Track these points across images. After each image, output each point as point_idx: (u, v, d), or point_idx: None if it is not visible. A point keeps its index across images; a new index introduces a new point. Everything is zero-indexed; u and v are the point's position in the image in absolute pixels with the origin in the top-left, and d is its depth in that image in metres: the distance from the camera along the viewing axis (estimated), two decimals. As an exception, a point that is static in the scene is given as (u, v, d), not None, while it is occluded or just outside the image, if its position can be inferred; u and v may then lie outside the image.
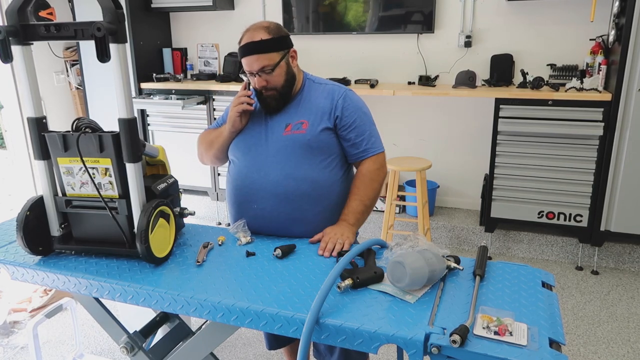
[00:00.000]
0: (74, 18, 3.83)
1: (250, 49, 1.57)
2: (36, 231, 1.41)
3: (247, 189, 1.65)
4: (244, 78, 1.69)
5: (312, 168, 1.62)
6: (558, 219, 3.14)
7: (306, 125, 1.63)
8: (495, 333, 1.04)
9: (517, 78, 3.31)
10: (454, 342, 1.00)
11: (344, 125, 1.65)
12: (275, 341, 1.92)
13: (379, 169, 1.69)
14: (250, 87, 1.67)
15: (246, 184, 1.65)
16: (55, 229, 1.45)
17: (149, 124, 4.05)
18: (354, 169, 1.76)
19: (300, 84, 1.70)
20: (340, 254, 1.41)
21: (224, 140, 1.72)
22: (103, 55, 1.22)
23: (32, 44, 1.34)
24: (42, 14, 1.37)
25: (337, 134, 1.67)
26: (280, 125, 1.65)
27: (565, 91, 2.99)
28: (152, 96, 3.88)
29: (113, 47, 1.24)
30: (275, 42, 1.59)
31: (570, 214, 3.11)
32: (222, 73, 4.04)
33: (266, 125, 1.67)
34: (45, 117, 1.38)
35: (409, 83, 3.62)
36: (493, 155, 3.18)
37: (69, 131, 1.37)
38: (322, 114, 1.64)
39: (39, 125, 1.37)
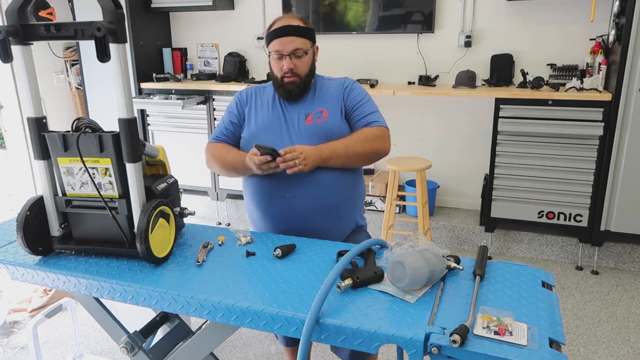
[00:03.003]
0: (74, 18, 3.83)
1: (286, 31, 1.65)
2: (36, 231, 1.41)
3: (277, 180, 1.65)
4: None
5: None
6: (558, 219, 3.14)
7: (326, 113, 1.70)
8: (495, 333, 1.04)
9: (517, 78, 3.31)
10: (454, 342, 1.00)
11: (351, 105, 1.73)
12: (291, 338, 1.91)
13: (378, 136, 1.70)
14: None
15: (276, 175, 1.64)
16: (55, 229, 1.45)
17: (149, 124, 4.05)
18: None
19: (313, 80, 1.78)
20: (340, 254, 1.41)
21: (245, 170, 1.69)
22: (103, 55, 1.22)
23: (32, 43, 1.33)
24: (42, 13, 1.37)
25: (347, 117, 1.73)
26: (299, 116, 1.70)
27: (565, 91, 2.99)
28: (152, 96, 3.88)
29: (113, 47, 1.23)
30: (309, 31, 1.70)
31: (570, 214, 3.11)
32: (222, 73, 4.04)
33: (284, 118, 1.71)
34: (45, 117, 1.38)
35: (409, 83, 3.62)
36: (493, 155, 3.18)
37: (69, 131, 1.37)
38: (337, 103, 1.73)
39: (39, 125, 1.37)
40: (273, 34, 1.67)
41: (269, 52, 1.71)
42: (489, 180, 3.25)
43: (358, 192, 1.80)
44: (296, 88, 1.70)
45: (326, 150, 1.63)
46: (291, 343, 1.94)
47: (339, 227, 1.72)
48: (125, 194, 1.37)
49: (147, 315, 1.80)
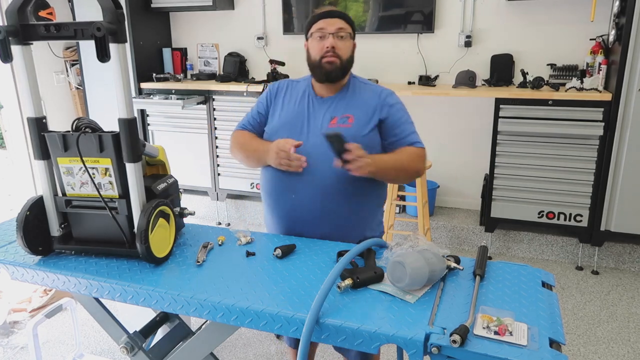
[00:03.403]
0: (74, 18, 3.83)
1: (333, 13, 1.66)
2: (36, 231, 1.41)
3: (287, 179, 1.64)
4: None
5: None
6: (558, 218, 3.14)
7: (352, 120, 1.65)
8: (495, 333, 1.04)
9: (517, 78, 3.31)
10: (454, 342, 1.00)
11: (393, 122, 1.67)
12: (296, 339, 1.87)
13: (420, 157, 1.67)
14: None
15: (286, 173, 1.62)
16: (55, 229, 1.45)
17: (149, 124, 4.05)
18: None
19: (347, 77, 1.73)
20: (340, 254, 1.41)
21: (263, 159, 1.68)
22: (103, 55, 1.22)
23: (32, 43, 1.33)
24: (42, 13, 1.37)
25: (381, 132, 1.67)
26: (324, 117, 1.66)
27: (566, 91, 2.99)
28: (152, 96, 3.88)
29: (113, 47, 1.23)
30: (353, 24, 1.71)
31: (570, 214, 3.11)
32: (222, 73, 4.04)
33: (308, 117, 1.67)
34: (45, 117, 1.38)
35: (409, 83, 3.62)
36: (493, 155, 3.18)
37: (69, 131, 1.37)
38: (369, 112, 1.66)
39: (39, 125, 1.37)
40: (318, 16, 1.66)
41: (310, 35, 1.68)
42: (489, 180, 3.25)
43: (368, 205, 1.71)
44: (335, 70, 1.64)
45: (380, 162, 1.58)
46: (296, 345, 1.93)
47: (343, 236, 1.63)
48: (125, 194, 1.37)
49: (147, 315, 1.80)
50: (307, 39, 1.72)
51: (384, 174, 1.62)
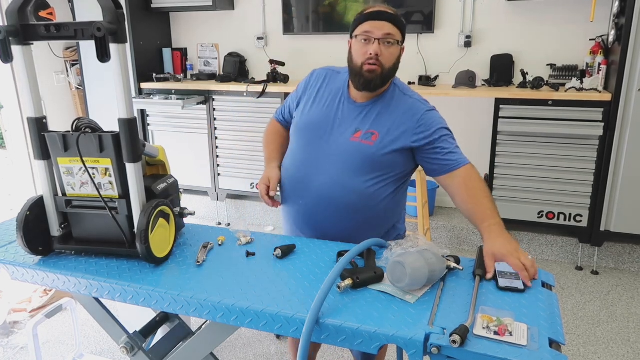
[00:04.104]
0: (74, 18, 3.83)
1: (381, 15, 1.50)
2: (36, 231, 1.41)
3: (300, 182, 1.62)
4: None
5: (366, 182, 1.54)
6: (558, 219, 3.14)
7: (376, 137, 1.53)
8: (495, 333, 1.04)
9: (517, 78, 3.31)
10: (454, 342, 1.00)
11: (428, 143, 1.53)
12: None
13: (479, 177, 1.51)
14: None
15: (299, 176, 1.61)
16: (55, 229, 1.45)
17: (149, 124, 4.05)
18: (407, 186, 1.69)
19: (388, 85, 1.62)
20: (340, 254, 1.41)
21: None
22: (103, 55, 1.22)
23: (32, 44, 1.33)
24: (42, 14, 1.37)
25: (415, 153, 1.56)
26: (349, 127, 1.56)
27: (565, 91, 2.99)
28: (152, 96, 3.88)
29: (113, 47, 1.23)
30: (404, 26, 1.56)
31: (570, 214, 3.11)
32: (222, 73, 4.04)
33: (333, 122, 1.59)
34: (45, 117, 1.38)
35: (409, 83, 3.62)
36: (493, 155, 3.18)
37: (69, 131, 1.37)
38: (397, 133, 1.53)
39: (39, 125, 1.37)
40: (366, 16, 1.52)
41: (354, 36, 1.54)
42: (489, 180, 3.25)
43: (376, 218, 1.61)
44: (375, 79, 1.52)
45: (499, 220, 1.40)
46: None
47: (349, 237, 1.58)
48: (125, 194, 1.37)
49: (147, 315, 1.80)
50: (351, 37, 1.57)
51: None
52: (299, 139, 1.66)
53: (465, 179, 1.51)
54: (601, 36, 3.11)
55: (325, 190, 1.57)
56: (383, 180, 1.56)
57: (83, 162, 1.34)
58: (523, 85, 3.17)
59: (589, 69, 3.14)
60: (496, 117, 3.10)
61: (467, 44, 3.47)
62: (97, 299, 1.60)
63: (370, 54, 1.50)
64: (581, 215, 3.09)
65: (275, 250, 1.44)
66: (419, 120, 1.55)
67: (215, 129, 3.85)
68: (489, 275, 1.28)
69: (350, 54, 1.57)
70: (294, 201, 1.66)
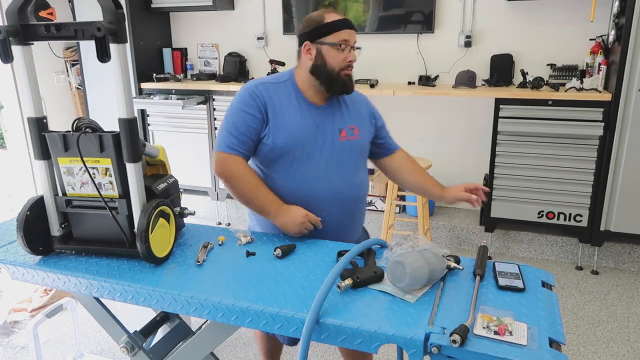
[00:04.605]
0: (74, 18, 3.84)
1: (352, 24, 1.62)
2: (36, 231, 1.41)
3: (315, 198, 1.59)
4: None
5: (362, 172, 1.70)
6: (558, 218, 3.14)
7: (357, 130, 1.67)
8: (495, 333, 1.04)
9: (517, 78, 3.31)
10: (454, 341, 1.00)
11: (379, 128, 1.77)
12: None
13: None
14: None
15: (314, 192, 1.59)
16: (55, 229, 1.45)
17: (149, 124, 4.05)
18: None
19: None
20: (340, 254, 1.42)
21: (260, 214, 1.62)
22: (103, 55, 1.22)
23: (33, 44, 1.33)
24: (42, 14, 1.37)
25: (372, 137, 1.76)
26: (333, 131, 1.62)
27: (565, 91, 2.99)
28: (152, 96, 3.89)
29: (113, 47, 1.24)
30: None
31: (570, 214, 3.11)
32: (222, 73, 4.04)
33: (317, 130, 1.60)
34: (45, 117, 1.38)
35: (409, 83, 3.62)
36: (493, 155, 3.18)
37: (69, 131, 1.37)
38: (366, 122, 1.72)
39: (39, 125, 1.37)
40: (341, 24, 1.57)
41: (325, 43, 1.57)
42: (489, 180, 3.25)
43: (365, 203, 1.83)
44: (350, 82, 1.62)
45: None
46: (289, 342, 1.88)
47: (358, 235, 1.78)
48: (125, 194, 1.37)
49: (147, 315, 1.80)
50: (313, 42, 1.58)
51: None
52: (286, 160, 1.59)
53: (406, 157, 1.82)
54: (601, 36, 3.11)
55: (340, 193, 1.62)
56: (365, 168, 1.75)
57: (83, 162, 1.34)
58: (523, 85, 3.17)
59: (589, 69, 3.14)
60: (496, 117, 3.10)
61: (467, 44, 3.47)
62: (97, 299, 1.60)
63: (351, 61, 1.60)
64: (581, 215, 3.09)
65: (275, 250, 1.44)
66: (370, 108, 1.77)
67: (215, 128, 3.85)
68: (479, 202, 1.69)
69: (320, 61, 1.58)
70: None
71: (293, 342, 1.85)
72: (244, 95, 1.60)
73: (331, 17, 1.59)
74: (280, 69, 3.73)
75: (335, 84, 1.60)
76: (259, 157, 1.63)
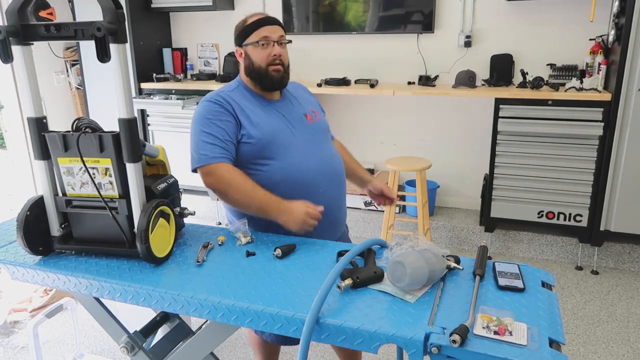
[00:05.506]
0: (74, 18, 3.84)
1: (274, 20, 1.72)
2: (36, 231, 1.41)
3: (308, 177, 1.64)
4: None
5: (333, 148, 1.81)
6: (558, 218, 3.14)
7: (317, 113, 1.79)
8: (495, 333, 1.04)
9: (517, 78, 3.31)
10: (454, 341, 1.00)
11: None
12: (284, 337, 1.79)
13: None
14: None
15: (304, 173, 1.64)
16: (55, 229, 1.45)
17: (149, 124, 4.05)
18: None
19: None
20: (340, 254, 1.42)
21: (261, 215, 1.58)
22: (103, 55, 1.22)
23: (32, 44, 1.34)
24: (42, 14, 1.37)
25: None
26: (300, 117, 1.72)
27: (565, 91, 2.99)
28: (152, 96, 3.89)
29: (113, 47, 1.24)
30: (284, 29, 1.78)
31: (570, 214, 3.11)
32: (222, 73, 4.04)
33: (286, 119, 1.70)
34: (45, 117, 1.38)
35: (409, 83, 3.62)
36: (493, 155, 3.18)
37: (69, 131, 1.37)
38: (316, 104, 1.84)
39: (39, 125, 1.37)
40: (258, 23, 1.69)
41: (248, 44, 1.68)
42: (488, 180, 3.25)
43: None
44: (285, 76, 1.69)
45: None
46: (281, 341, 1.87)
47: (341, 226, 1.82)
48: (125, 194, 1.37)
49: (147, 315, 1.80)
50: (241, 46, 1.71)
51: None
52: (270, 151, 1.62)
53: (342, 145, 1.94)
54: (601, 36, 3.11)
55: (329, 166, 1.70)
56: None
57: (83, 162, 1.34)
58: (523, 85, 3.17)
59: (588, 68, 3.14)
60: (496, 117, 3.10)
61: (467, 44, 3.47)
62: (97, 299, 1.60)
63: (275, 55, 1.65)
64: (581, 215, 3.09)
65: (275, 250, 1.44)
66: (312, 95, 1.89)
67: (215, 129, 3.85)
68: (394, 199, 1.87)
69: (248, 61, 1.68)
70: (313, 197, 1.60)
71: (285, 341, 1.84)
72: (209, 107, 1.64)
73: (252, 18, 1.72)
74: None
75: (264, 81, 1.68)
76: (243, 158, 1.63)
